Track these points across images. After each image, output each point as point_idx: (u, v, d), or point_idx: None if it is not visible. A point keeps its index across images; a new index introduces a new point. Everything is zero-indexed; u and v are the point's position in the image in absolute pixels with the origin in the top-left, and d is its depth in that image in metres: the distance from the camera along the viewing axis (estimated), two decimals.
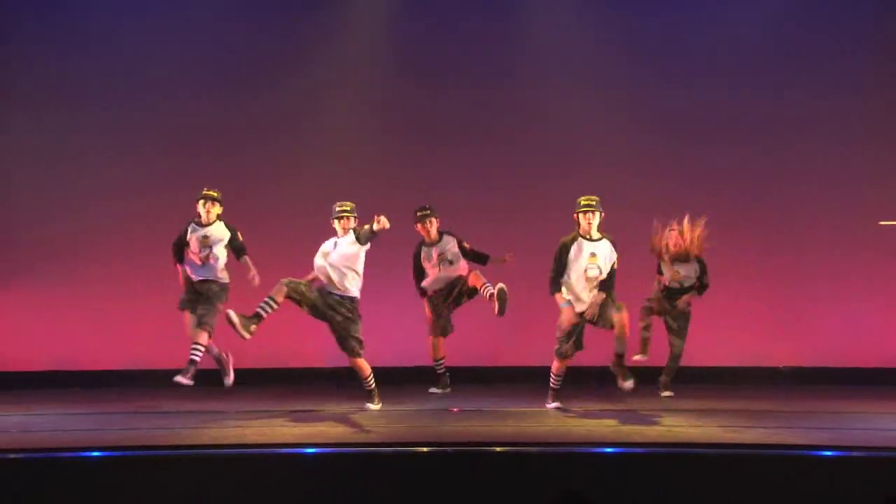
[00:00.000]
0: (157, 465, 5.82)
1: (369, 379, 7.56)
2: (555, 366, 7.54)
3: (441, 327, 8.30)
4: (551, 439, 6.33)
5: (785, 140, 9.38)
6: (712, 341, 9.04)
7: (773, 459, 5.84)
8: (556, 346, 7.45)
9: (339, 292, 7.41)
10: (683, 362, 8.34)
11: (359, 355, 7.45)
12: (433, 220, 8.29)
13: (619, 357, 7.34)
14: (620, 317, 7.22)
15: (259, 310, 7.23)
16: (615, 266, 7.43)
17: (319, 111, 9.42)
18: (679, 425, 6.81)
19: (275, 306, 7.27)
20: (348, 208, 7.51)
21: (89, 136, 9.40)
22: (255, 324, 7.18)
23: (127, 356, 9.21)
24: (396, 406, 7.70)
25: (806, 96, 9.32)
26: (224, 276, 7.86)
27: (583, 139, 9.31)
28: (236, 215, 7.97)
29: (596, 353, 7.55)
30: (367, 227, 7.27)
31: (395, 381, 8.33)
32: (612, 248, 7.43)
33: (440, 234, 8.33)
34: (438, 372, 8.49)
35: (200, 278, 7.83)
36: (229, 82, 9.41)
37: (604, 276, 7.36)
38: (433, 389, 8.48)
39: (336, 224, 7.51)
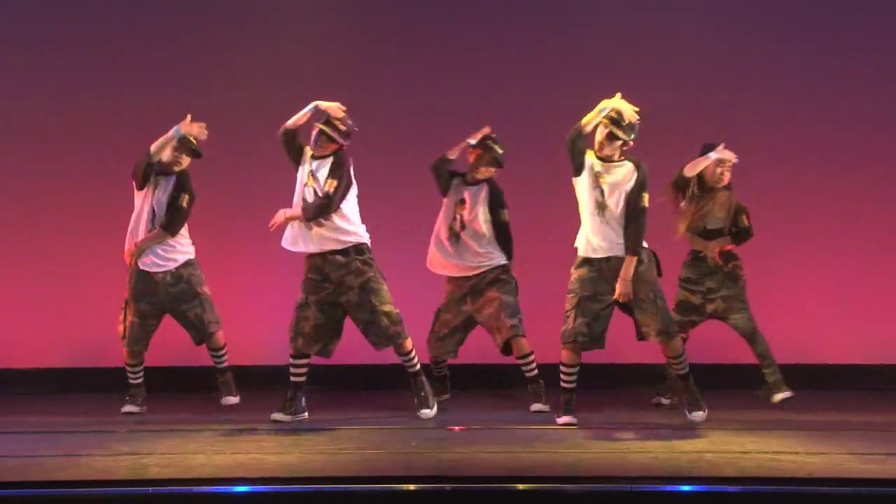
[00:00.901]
0: None
1: (412, 355, 7.95)
2: (563, 355, 7.65)
3: (439, 340, 8.26)
4: (599, 472, 6.26)
5: None
6: (841, 329, 9.10)
7: None
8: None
9: (338, 246, 7.70)
10: (791, 359, 8.36)
11: (399, 328, 7.85)
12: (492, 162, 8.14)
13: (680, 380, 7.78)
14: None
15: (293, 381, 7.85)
16: (643, 204, 7.44)
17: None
18: (789, 451, 6.72)
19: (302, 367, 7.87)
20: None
21: None
22: (297, 403, 7.86)
23: None
24: (371, 421, 7.83)
25: None
26: (190, 249, 8.11)
27: (629, 43, 9.50)
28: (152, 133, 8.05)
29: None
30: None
31: (372, 384, 8.61)
32: (635, 174, 7.45)
33: (487, 181, 8.18)
34: (435, 374, 8.49)
35: (161, 269, 8.02)
36: None
37: (615, 215, 7.46)
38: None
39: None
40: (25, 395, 8.64)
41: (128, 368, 8.12)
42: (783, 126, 9.38)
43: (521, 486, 5.92)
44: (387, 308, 7.75)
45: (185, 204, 7.97)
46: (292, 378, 7.81)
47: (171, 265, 8.00)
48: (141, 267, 7.98)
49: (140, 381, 8.16)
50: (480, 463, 6.56)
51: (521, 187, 8.66)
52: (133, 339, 8.02)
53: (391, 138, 9.07)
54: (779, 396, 7.98)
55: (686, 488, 5.88)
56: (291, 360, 7.80)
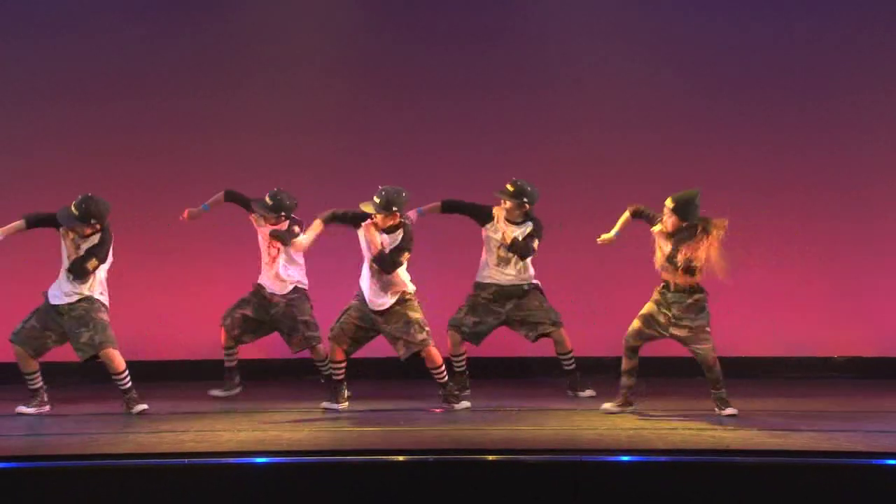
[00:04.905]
0: (70, 478, 5.84)
1: (327, 365, 7.92)
2: (448, 340, 8.12)
3: (339, 335, 7.73)
4: (555, 445, 6.41)
5: (840, 82, 9.45)
6: (751, 327, 9.18)
7: (827, 469, 5.92)
8: None
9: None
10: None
11: (315, 333, 8.08)
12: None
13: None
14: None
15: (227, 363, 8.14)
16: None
17: (271, 50, 9.49)
18: (710, 428, 6.89)
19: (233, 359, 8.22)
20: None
21: None
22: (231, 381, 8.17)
23: None
24: (365, 406, 7.80)
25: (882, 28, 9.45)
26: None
27: (601, 90, 9.47)
28: (163, 178, 8.20)
29: (609, 342, 7.89)
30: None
31: (366, 375, 8.49)
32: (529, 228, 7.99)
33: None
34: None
35: (67, 301, 7.59)
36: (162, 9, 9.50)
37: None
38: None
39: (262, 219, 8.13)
40: (79, 384, 8.49)
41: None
42: (731, 164, 9.33)
43: (490, 458, 6.05)
44: (305, 317, 8.08)
45: (89, 266, 7.53)
46: (227, 364, 8.11)
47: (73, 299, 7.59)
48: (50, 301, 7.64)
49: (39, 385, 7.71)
50: (456, 438, 6.68)
51: None
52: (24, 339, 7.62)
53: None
54: (728, 411, 7.37)
55: (625, 458, 6.02)
56: (225, 350, 8.11)
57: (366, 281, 7.66)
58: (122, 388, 7.61)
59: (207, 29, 9.45)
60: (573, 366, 8.16)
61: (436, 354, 7.70)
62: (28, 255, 8.62)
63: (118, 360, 7.60)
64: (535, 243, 7.96)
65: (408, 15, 9.58)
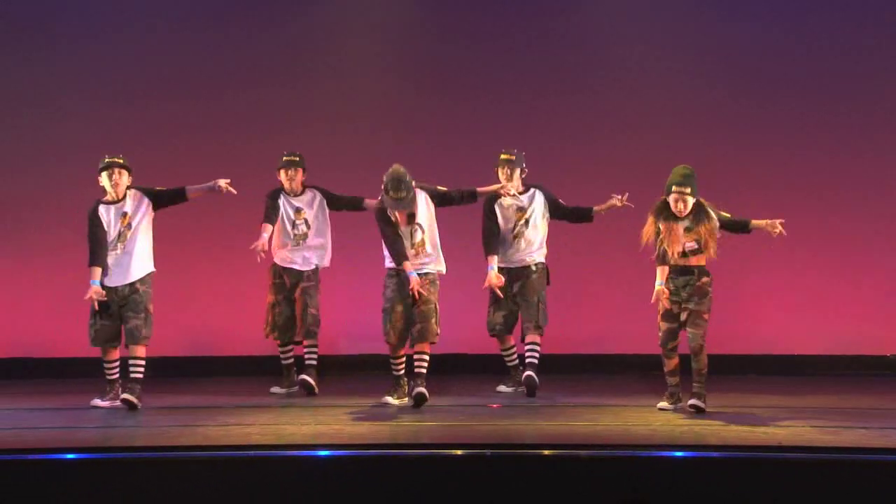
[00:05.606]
0: (141, 468, 5.93)
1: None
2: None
3: (394, 326, 7.74)
4: (609, 441, 6.42)
5: (887, 74, 9.47)
6: (802, 325, 9.18)
7: (879, 466, 5.89)
8: None
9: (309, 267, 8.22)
10: (767, 349, 8.43)
11: (315, 328, 8.16)
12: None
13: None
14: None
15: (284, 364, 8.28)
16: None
17: (328, 51, 9.62)
18: (762, 424, 6.86)
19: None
20: (297, 158, 8.17)
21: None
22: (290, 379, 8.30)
23: None
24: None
25: None
26: (150, 266, 7.72)
27: (630, 87, 9.53)
28: (226, 170, 8.06)
29: (619, 339, 8.06)
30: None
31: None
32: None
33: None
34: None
35: (121, 283, 7.63)
36: (222, 13, 9.61)
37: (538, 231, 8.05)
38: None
39: (283, 175, 8.14)
40: (150, 378, 8.02)
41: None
42: (782, 165, 9.35)
43: (546, 452, 6.08)
44: (313, 311, 8.14)
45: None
46: (283, 362, 8.27)
47: (137, 277, 7.66)
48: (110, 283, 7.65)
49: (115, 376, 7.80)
50: (513, 433, 6.74)
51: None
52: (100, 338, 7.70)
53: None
54: (692, 402, 7.23)
55: (679, 454, 6.02)
56: (280, 349, 8.27)
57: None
58: (138, 375, 7.59)
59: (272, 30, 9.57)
60: (516, 361, 8.23)
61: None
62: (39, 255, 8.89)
63: (143, 352, 7.67)
64: None
65: (458, 17, 9.67)
